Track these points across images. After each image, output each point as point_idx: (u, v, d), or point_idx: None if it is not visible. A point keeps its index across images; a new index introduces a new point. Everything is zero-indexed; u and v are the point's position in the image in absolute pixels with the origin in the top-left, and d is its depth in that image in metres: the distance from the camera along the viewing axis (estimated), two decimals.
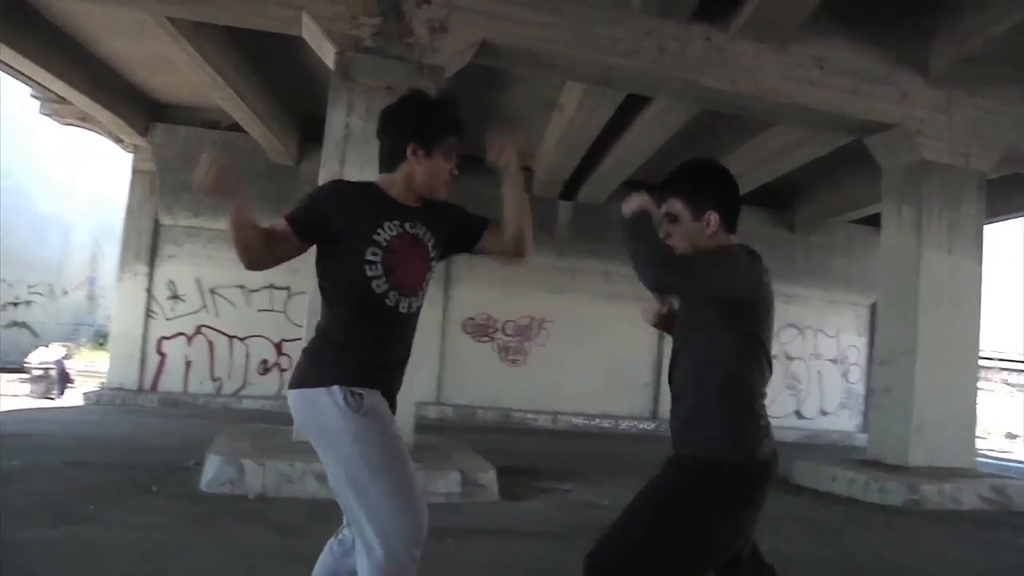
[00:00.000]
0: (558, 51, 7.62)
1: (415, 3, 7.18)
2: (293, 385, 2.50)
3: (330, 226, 2.47)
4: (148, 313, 14.22)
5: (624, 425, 14.87)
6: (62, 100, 12.70)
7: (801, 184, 14.36)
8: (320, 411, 2.40)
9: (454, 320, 15.03)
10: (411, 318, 2.59)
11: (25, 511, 5.09)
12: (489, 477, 6.63)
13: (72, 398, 13.12)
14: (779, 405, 15.98)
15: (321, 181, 7.19)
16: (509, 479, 7.26)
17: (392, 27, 7.15)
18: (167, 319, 14.32)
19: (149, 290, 14.22)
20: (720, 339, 2.41)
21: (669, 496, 2.44)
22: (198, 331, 14.44)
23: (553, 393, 14.98)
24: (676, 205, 2.51)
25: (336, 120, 7.12)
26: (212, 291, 14.49)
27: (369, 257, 2.46)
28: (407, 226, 2.54)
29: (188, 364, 14.35)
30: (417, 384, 13.45)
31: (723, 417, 2.42)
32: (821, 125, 9.35)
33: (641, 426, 14.99)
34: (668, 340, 12.12)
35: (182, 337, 14.36)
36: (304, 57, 9.21)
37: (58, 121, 13.73)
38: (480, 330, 15.24)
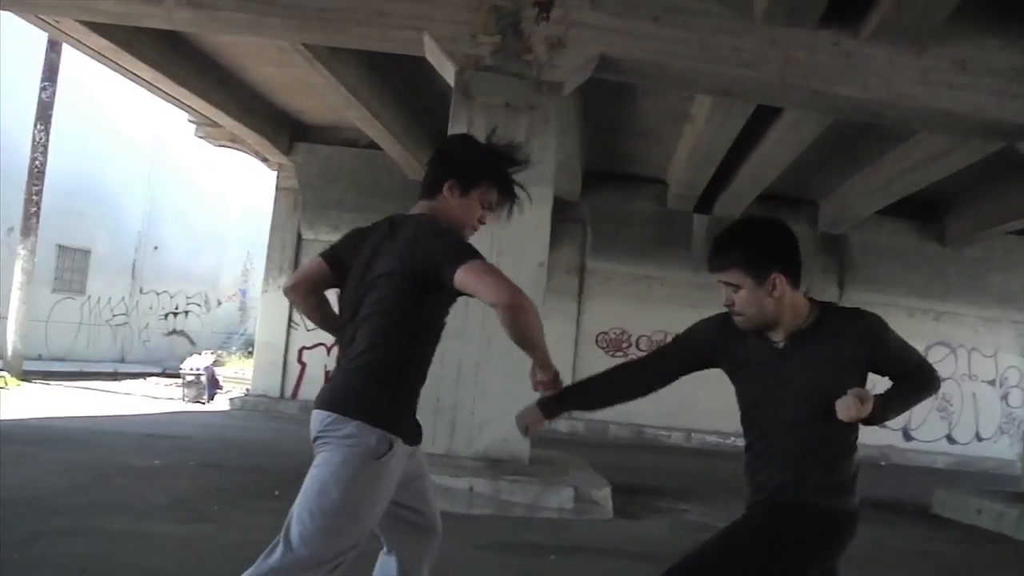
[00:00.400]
0: (679, 64, 7.48)
1: (533, 20, 7.23)
2: None
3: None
4: (290, 324, 14.86)
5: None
6: (214, 124, 13.58)
7: (951, 194, 13.50)
8: None
9: (588, 334, 15.00)
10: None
11: (160, 507, 5.45)
12: (603, 494, 6.56)
13: (220, 403, 13.90)
14: (928, 428, 15.05)
15: None
16: (627, 497, 7.17)
17: (511, 44, 7.22)
18: (308, 330, 14.89)
19: (292, 302, 14.86)
20: None
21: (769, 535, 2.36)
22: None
23: (687, 410, 14.60)
24: (735, 274, 2.36)
25: None
26: None
27: (445, 301, 2.62)
28: None
29: (327, 374, 14.90)
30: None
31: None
32: (966, 131, 8.76)
33: None
34: None
35: (322, 347, 14.91)
36: (434, 76, 9.46)
37: (211, 143, 14.66)
38: (614, 344, 15.13)
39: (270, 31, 7.36)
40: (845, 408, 2.27)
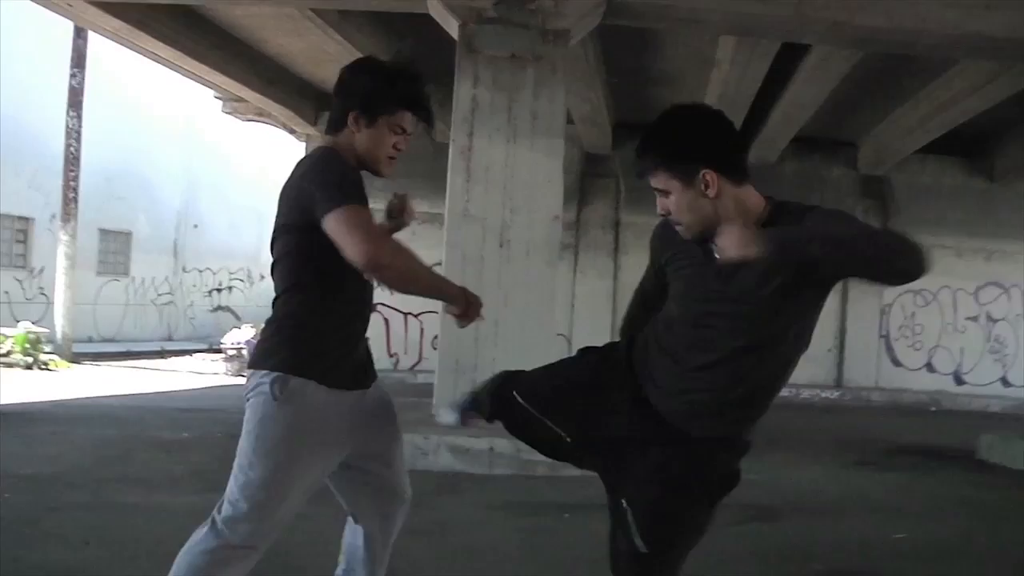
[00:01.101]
0: (687, 4, 7.21)
1: None
2: None
3: None
4: None
5: (805, 394, 14.06)
6: (239, 99, 13.61)
7: (998, 127, 12.92)
8: None
9: (626, 288, 14.62)
10: (369, 296, 2.53)
11: (179, 478, 5.51)
12: None
13: None
14: (981, 372, 14.61)
15: (450, 157, 7.24)
16: None
17: None
18: None
19: None
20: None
21: None
22: (374, 309, 15.03)
23: None
24: (661, 178, 2.04)
25: (463, 93, 7.11)
26: None
27: None
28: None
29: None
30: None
31: None
32: (1006, 55, 8.30)
33: (824, 395, 14.17)
34: (851, 303, 11.40)
35: None
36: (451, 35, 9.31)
37: (239, 118, 14.72)
38: None
39: None
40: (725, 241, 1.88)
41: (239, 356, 13.98)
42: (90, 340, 16.10)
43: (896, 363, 14.98)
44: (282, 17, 10.17)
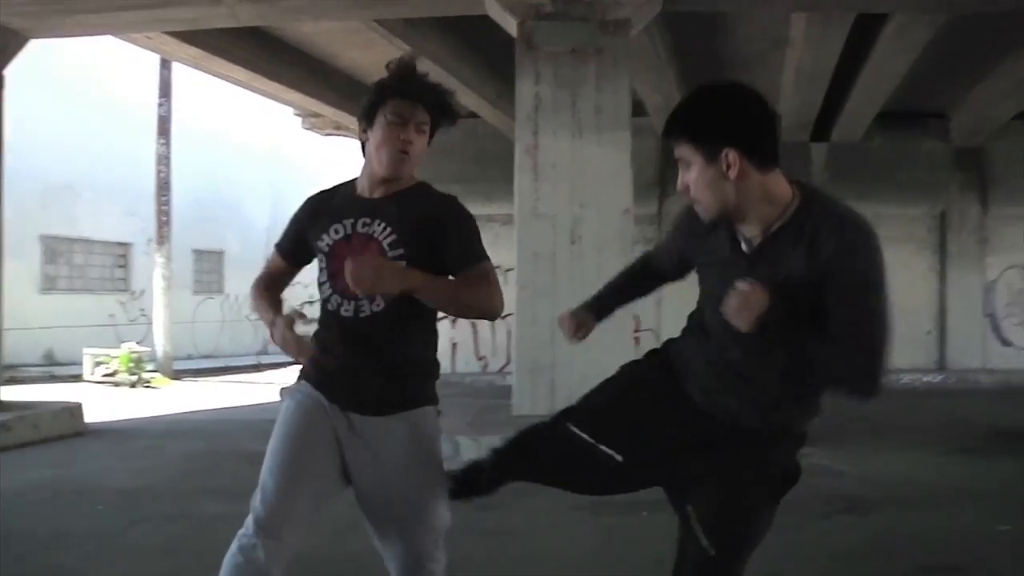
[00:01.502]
0: None
1: None
2: None
3: (307, 241, 2.42)
4: None
5: (906, 379, 13.49)
6: (317, 114, 13.92)
7: None
8: None
9: None
10: (368, 323, 2.28)
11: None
12: None
13: None
14: None
15: (516, 155, 7.20)
16: None
17: None
18: None
19: None
20: None
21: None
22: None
23: None
24: (684, 149, 1.96)
25: (524, 92, 7.08)
26: None
27: (321, 265, 2.36)
28: (360, 224, 2.30)
29: (454, 345, 15.10)
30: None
31: None
32: None
33: (926, 379, 13.55)
34: (951, 284, 10.84)
35: (446, 320, 15.06)
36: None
37: (318, 132, 15.05)
38: None
39: (331, 12, 7.39)
40: (731, 305, 1.87)
41: None
42: (189, 357, 16.72)
43: (1005, 343, 14.22)
44: (349, 31, 10.33)
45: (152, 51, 10.77)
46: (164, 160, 14.56)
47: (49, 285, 15.86)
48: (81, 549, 4.14)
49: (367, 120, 2.32)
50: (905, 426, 8.52)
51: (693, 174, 1.95)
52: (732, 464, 2.12)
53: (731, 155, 1.88)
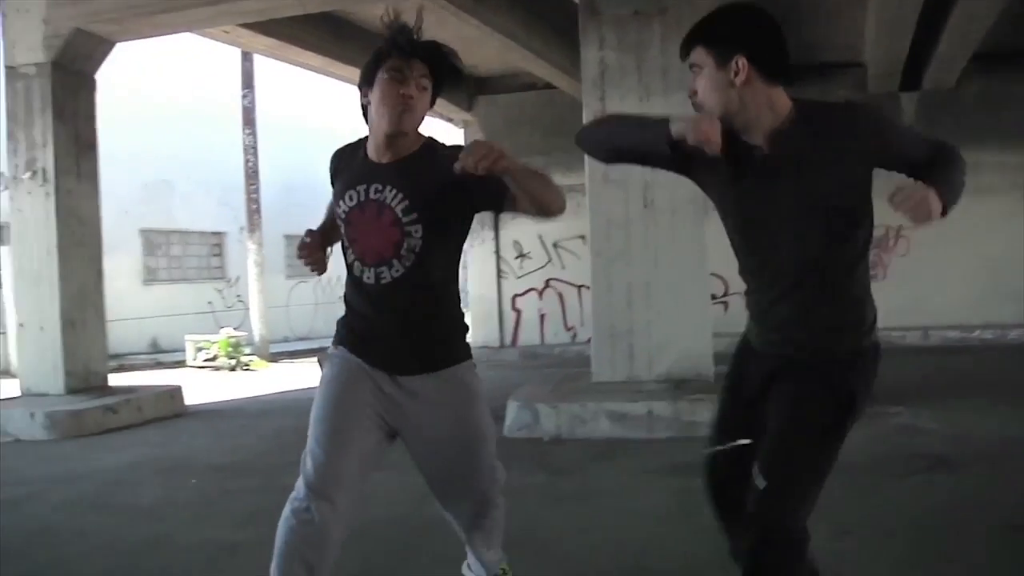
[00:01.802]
0: None
1: None
2: None
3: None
4: (499, 274, 15.24)
5: (1013, 335, 12.88)
6: None
7: None
8: None
9: None
10: (390, 289, 2.33)
11: None
12: None
13: None
14: None
15: (584, 122, 7.15)
16: None
17: None
18: (517, 277, 15.23)
19: (497, 252, 15.22)
20: None
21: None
22: (547, 285, 15.18)
23: (922, 306, 13.41)
24: (698, 53, 2.09)
25: (590, 58, 7.02)
26: (555, 245, 15.11)
27: (342, 229, 2.41)
28: (372, 191, 2.32)
29: (542, 317, 15.17)
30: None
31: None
32: None
33: None
34: None
35: (533, 292, 15.20)
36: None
37: None
38: None
39: None
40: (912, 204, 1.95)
41: None
42: (285, 340, 17.29)
43: None
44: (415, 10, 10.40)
45: (230, 44, 11.06)
46: (251, 150, 15.01)
47: (150, 276, 16.60)
48: (175, 519, 4.39)
49: (367, 83, 2.34)
50: (1000, 383, 8.17)
51: (703, 79, 2.08)
52: (787, 396, 2.17)
53: (740, 61, 2.02)
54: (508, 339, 15.19)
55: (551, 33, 11.46)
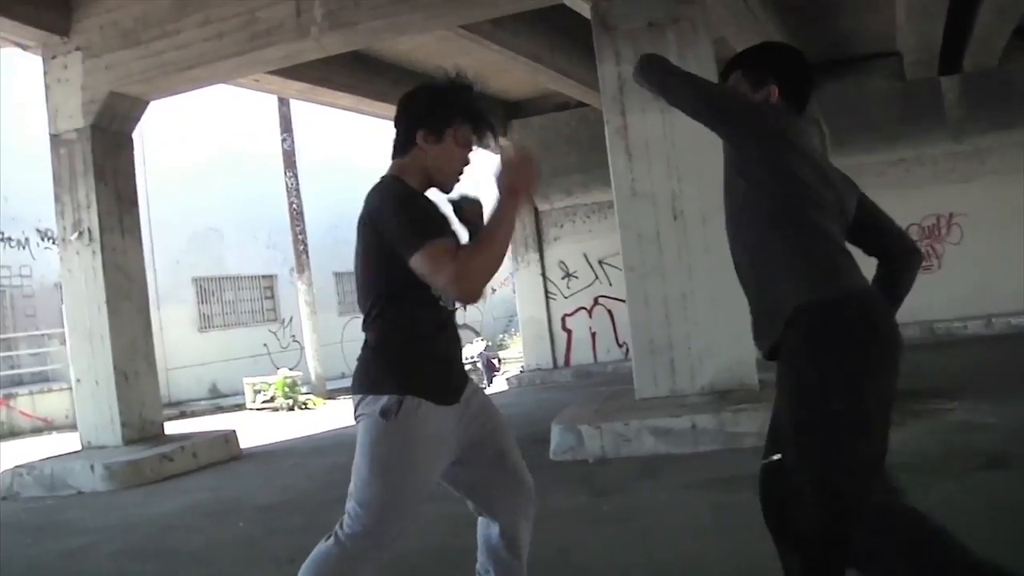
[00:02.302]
0: None
1: None
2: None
3: None
4: (547, 295, 15.23)
5: None
6: None
7: None
8: None
9: None
10: (454, 314, 2.55)
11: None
12: None
13: (499, 385, 14.59)
14: None
15: (608, 137, 7.14)
16: None
17: None
18: (565, 297, 15.21)
19: (544, 274, 15.24)
20: None
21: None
22: (596, 302, 15.12)
23: (981, 294, 13.01)
24: (736, 77, 2.45)
25: (607, 72, 7.00)
26: (600, 262, 15.07)
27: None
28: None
29: (593, 335, 15.10)
30: None
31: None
32: None
33: None
34: None
35: (583, 311, 15.16)
36: None
37: None
38: None
39: (410, 27, 7.55)
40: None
41: (475, 370, 14.60)
42: (342, 376, 17.44)
43: None
44: (443, 40, 10.50)
45: (263, 91, 11.37)
46: (294, 192, 15.30)
47: (206, 324, 16.95)
48: (220, 563, 4.47)
49: (436, 129, 2.42)
50: None
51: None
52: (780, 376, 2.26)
53: (772, 90, 2.38)
54: (560, 359, 15.15)
55: (576, 51, 11.48)
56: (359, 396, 2.41)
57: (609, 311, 15.01)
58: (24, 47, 8.52)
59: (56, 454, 8.20)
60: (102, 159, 8.06)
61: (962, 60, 12.33)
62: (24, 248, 14.88)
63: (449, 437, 2.41)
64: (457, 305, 2.47)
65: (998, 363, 9.24)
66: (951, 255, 13.47)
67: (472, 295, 2.25)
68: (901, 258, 2.47)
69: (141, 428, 8.03)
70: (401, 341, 2.40)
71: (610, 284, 14.95)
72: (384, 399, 2.32)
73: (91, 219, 7.95)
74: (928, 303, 13.10)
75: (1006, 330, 12.42)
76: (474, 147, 2.48)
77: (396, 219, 2.29)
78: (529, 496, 2.63)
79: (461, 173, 2.48)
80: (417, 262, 2.22)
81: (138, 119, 8.46)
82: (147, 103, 8.39)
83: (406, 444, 2.33)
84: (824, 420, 2.09)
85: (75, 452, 8.05)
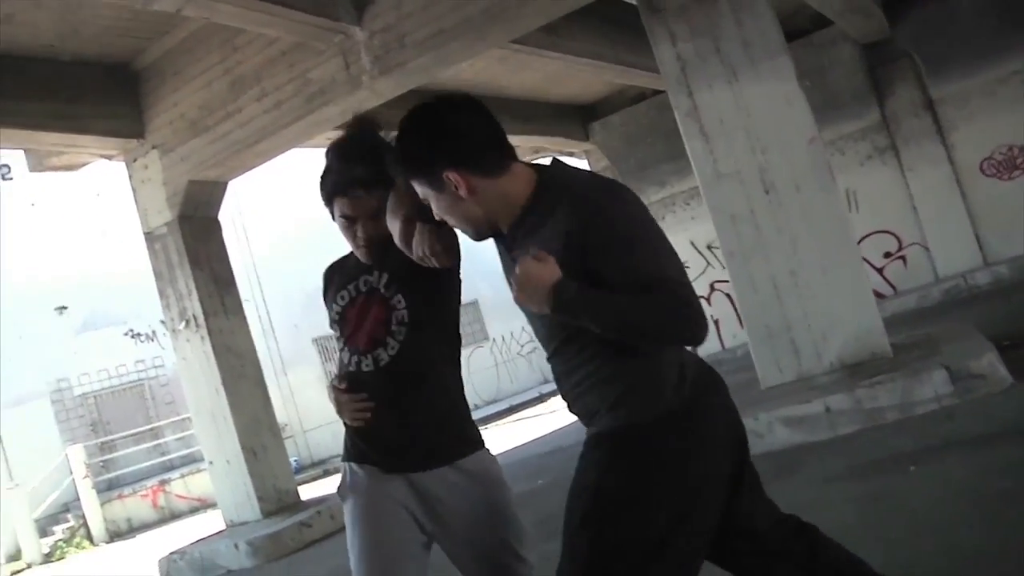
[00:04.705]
0: None
1: None
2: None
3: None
4: None
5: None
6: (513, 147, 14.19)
7: None
8: None
9: (968, 167, 12.72)
10: (388, 370, 2.26)
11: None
12: (984, 363, 5.41)
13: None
14: None
15: (680, 122, 6.80)
16: None
17: None
18: None
19: None
20: None
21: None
22: (712, 288, 14.62)
23: None
24: (417, 187, 1.96)
25: (665, 55, 6.69)
26: (709, 247, 14.56)
27: (336, 332, 2.39)
28: (362, 283, 2.35)
29: (716, 322, 14.57)
30: (951, 253, 11.86)
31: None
32: None
33: None
34: None
35: (702, 300, 14.61)
36: None
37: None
38: (1006, 166, 12.73)
39: (455, 56, 7.41)
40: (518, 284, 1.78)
41: None
42: (475, 407, 17.50)
43: None
44: (502, 60, 10.38)
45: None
46: None
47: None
48: None
49: (328, 207, 2.37)
50: None
51: (434, 206, 1.93)
52: None
53: (451, 176, 1.85)
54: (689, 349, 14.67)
55: (636, 39, 11.11)
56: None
57: (727, 295, 14.43)
58: (109, 158, 8.90)
59: (204, 536, 8.43)
60: (194, 246, 8.27)
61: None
62: (153, 340, 15.62)
63: (403, 504, 2.22)
64: (380, 362, 2.26)
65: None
66: None
67: None
68: None
69: (277, 499, 8.15)
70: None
71: (723, 268, 14.35)
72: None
73: (194, 306, 8.16)
74: None
75: None
76: (358, 217, 2.30)
77: None
78: None
79: (362, 245, 2.33)
80: None
81: (220, 202, 8.66)
82: (225, 184, 8.58)
83: (349, 519, 2.27)
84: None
85: (220, 532, 8.25)
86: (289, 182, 16.53)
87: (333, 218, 2.36)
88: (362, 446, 2.29)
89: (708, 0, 6.41)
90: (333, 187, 2.32)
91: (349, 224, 2.31)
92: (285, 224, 16.64)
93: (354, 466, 2.29)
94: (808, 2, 9.84)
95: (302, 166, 15.85)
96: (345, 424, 2.33)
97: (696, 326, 1.77)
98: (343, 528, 7.05)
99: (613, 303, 1.74)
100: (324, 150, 2.42)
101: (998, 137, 12.52)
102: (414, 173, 1.95)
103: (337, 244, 2.37)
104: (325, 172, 2.35)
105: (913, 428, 5.07)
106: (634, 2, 6.87)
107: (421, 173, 1.93)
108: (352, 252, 2.42)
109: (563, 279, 1.74)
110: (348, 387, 2.28)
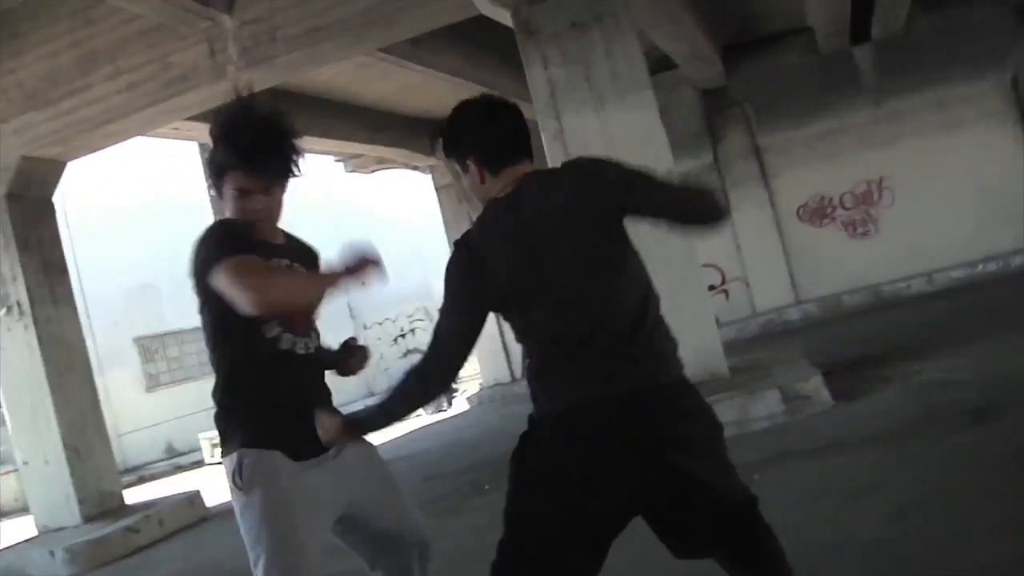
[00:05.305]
0: None
1: None
2: None
3: None
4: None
5: (1018, 261, 12.69)
6: (357, 155, 14.05)
7: None
8: None
9: (786, 213, 13.97)
10: (315, 358, 2.46)
11: None
12: (812, 385, 5.98)
13: (460, 405, 14.38)
14: None
15: (545, 144, 7.04)
16: (849, 375, 6.54)
17: None
18: None
19: None
20: None
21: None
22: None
23: (919, 253, 13.25)
24: (451, 165, 2.37)
25: (536, 78, 6.91)
26: None
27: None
28: (283, 265, 2.42)
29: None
30: (768, 290, 12.84)
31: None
32: None
33: None
34: None
35: None
36: None
37: (363, 172, 15.16)
38: (817, 214, 14.03)
39: (327, 56, 7.36)
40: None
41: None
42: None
43: None
44: (362, 66, 10.33)
45: (183, 139, 11.02)
46: None
47: (153, 383, 16.41)
48: None
49: (217, 185, 2.35)
50: (1017, 312, 7.98)
51: (462, 182, 2.35)
52: None
53: (471, 166, 2.26)
54: (518, 372, 14.93)
55: (499, 62, 11.40)
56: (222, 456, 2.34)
57: None
58: None
59: (9, 544, 7.77)
60: (23, 228, 7.69)
61: (871, 29, 12.58)
62: None
63: (320, 489, 2.29)
64: (311, 348, 2.36)
65: (948, 317, 9.38)
66: (886, 218, 13.70)
67: (256, 304, 2.11)
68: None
69: (100, 502, 7.65)
70: (235, 391, 2.32)
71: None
72: (232, 458, 2.26)
73: (19, 292, 7.57)
74: (870, 267, 13.39)
75: (948, 284, 12.67)
76: (262, 190, 2.35)
77: (199, 250, 2.24)
78: (424, 553, 2.53)
79: (257, 216, 2.36)
80: (215, 282, 2.13)
81: (57, 182, 8.11)
82: (64, 165, 8.05)
83: (265, 508, 2.22)
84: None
85: (31, 539, 7.63)
86: (118, 171, 15.64)
87: (219, 192, 2.39)
88: (281, 430, 2.28)
89: (581, 28, 6.71)
90: (239, 157, 2.31)
91: (247, 195, 2.34)
92: (109, 215, 15.69)
93: (264, 453, 2.26)
94: (659, 45, 10.47)
95: (134, 154, 15.09)
96: (246, 407, 2.31)
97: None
98: (173, 534, 6.75)
99: (388, 399, 2.20)
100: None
101: (813, 186, 13.78)
102: (450, 153, 2.31)
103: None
104: (230, 139, 2.34)
105: (751, 442, 5.48)
106: (510, 24, 7.05)
107: (455, 155, 2.30)
108: (245, 230, 2.34)
109: (346, 417, 2.24)
110: (281, 369, 2.31)
